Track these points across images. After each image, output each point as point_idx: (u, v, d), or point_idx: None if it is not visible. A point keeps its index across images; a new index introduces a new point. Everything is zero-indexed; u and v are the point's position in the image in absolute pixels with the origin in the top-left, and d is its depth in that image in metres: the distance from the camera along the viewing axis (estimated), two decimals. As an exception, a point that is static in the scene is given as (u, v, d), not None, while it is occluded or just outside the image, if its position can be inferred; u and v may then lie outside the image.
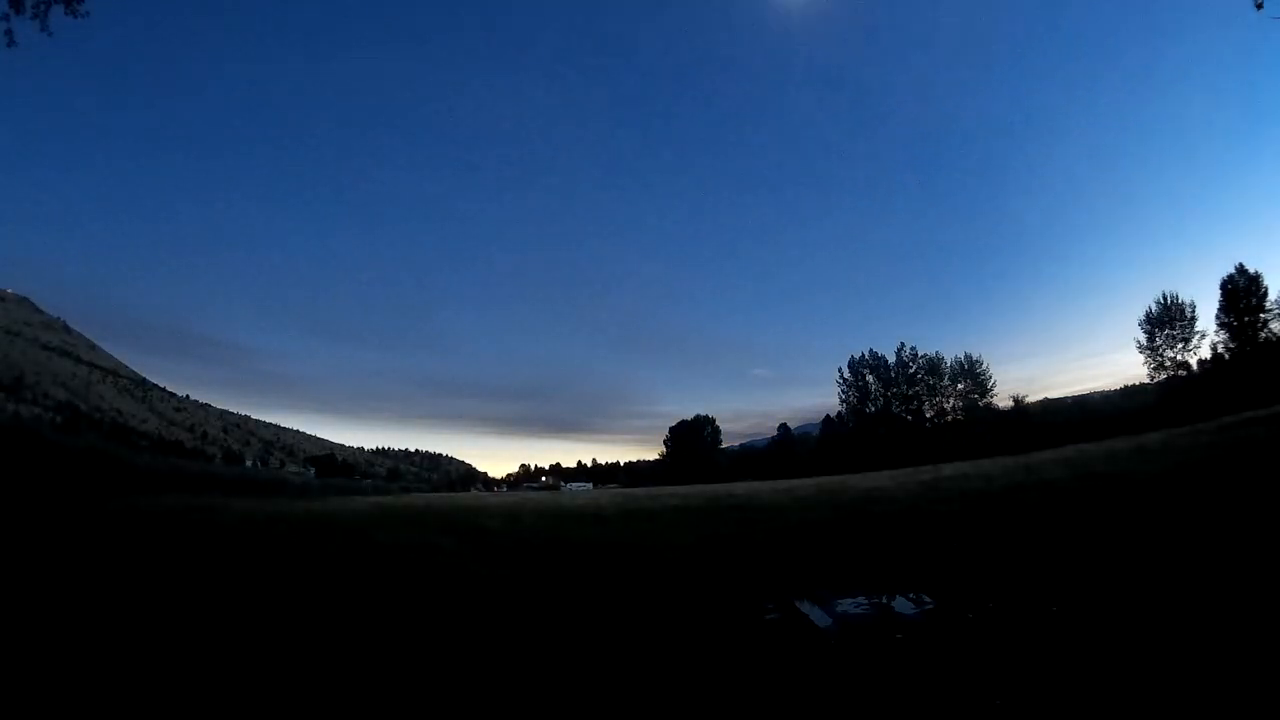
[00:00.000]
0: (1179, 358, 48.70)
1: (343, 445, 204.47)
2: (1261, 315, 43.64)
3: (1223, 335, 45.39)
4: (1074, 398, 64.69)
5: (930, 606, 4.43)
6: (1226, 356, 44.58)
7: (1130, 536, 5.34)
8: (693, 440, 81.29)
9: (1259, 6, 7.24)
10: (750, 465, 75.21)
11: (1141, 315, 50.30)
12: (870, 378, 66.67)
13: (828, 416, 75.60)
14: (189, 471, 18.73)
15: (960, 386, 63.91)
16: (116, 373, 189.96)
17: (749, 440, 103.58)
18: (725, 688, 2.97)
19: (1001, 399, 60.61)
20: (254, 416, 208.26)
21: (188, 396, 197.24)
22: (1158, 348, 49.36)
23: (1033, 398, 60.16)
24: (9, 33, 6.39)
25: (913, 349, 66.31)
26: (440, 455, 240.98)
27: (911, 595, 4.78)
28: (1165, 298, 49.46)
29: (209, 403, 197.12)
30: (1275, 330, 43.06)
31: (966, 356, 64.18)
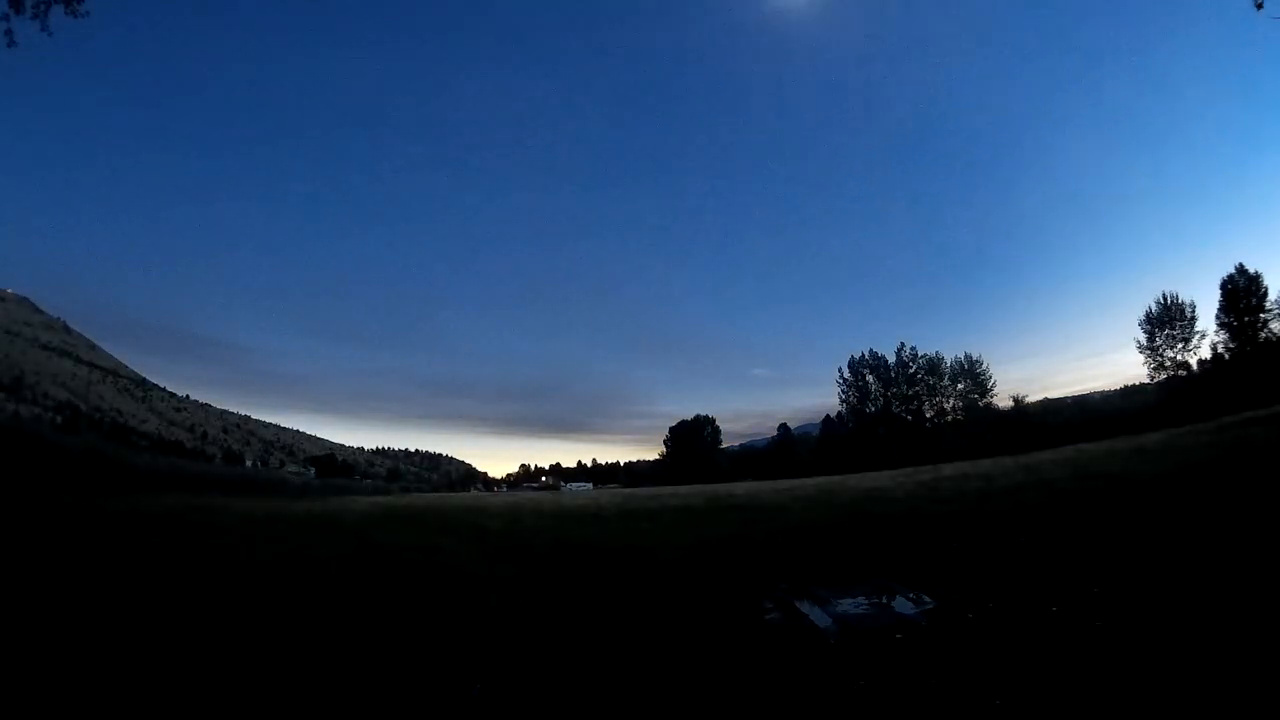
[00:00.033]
0: (1179, 358, 48.74)
1: (343, 445, 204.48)
2: (1261, 315, 43.62)
3: (1223, 335, 45.43)
4: (1074, 398, 64.72)
5: (930, 606, 4.43)
6: (1226, 356, 44.58)
7: (1129, 537, 5.34)
8: (693, 440, 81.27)
9: (1259, 6, 7.23)
10: (750, 465, 75.20)
11: (1141, 315, 50.37)
12: (870, 378, 66.66)
13: (828, 416, 75.61)
14: (189, 471, 18.73)
15: (960, 386, 63.92)
16: (116, 373, 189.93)
17: (749, 440, 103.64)
18: (725, 687, 2.97)
19: (1001, 399, 60.64)
20: (254, 416, 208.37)
21: (188, 396, 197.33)
22: (1158, 348, 49.37)
23: (1033, 398, 60.16)
24: (9, 33, 6.39)
25: (913, 349, 66.37)
26: (440, 455, 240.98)
27: (911, 595, 4.78)
28: (1165, 298, 49.50)
29: (209, 403, 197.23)
30: (1275, 330, 43.06)
31: (966, 356, 64.24)
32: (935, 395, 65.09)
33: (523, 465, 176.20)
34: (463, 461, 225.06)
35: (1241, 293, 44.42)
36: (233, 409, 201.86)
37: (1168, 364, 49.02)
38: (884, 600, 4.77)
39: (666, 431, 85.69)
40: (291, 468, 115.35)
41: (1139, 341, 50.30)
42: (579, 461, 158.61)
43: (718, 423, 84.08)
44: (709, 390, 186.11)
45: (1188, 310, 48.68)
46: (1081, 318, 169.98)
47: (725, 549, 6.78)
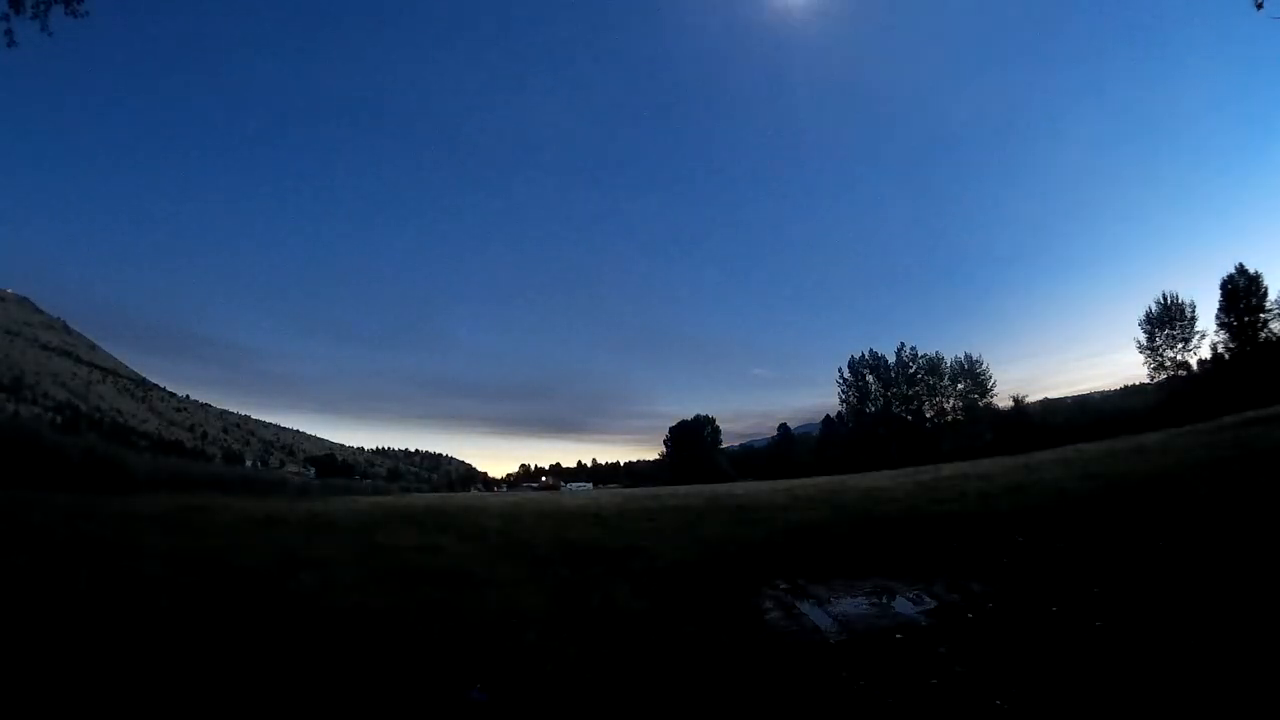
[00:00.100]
0: (1179, 358, 48.71)
1: (343, 445, 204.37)
2: (1261, 315, 43.59)
3: (1223, 335, 45.39)
4: (1074, 398, 64.73)
5: (930, 606, 4.43)
6: (1226, 356, 44.57)
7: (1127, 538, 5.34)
8: (693, 440, 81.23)
9: (1259, 6, 7.23)
10: (750, 465, 75.21)
11: (1141, 315, 50.38)
12: (870, 378, 66.63)
13: (828, 416, 75.59)
14: (189, 472, 18.73)
15: (960, 386, 63.90)
16: (116, 373, 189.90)
17: (749, 440, 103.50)
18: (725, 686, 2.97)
19: (1001, 399, 60.63)
20: (254, 416, 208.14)
21: (188, 396, 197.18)
22: (1158, 348, 49.36)
23: (1033, 398, 60.14)
24: (9, 33, 6.38)
25: (913, 349, 66.36)
26: (440, 455, 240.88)
27: (911, 595, 4.78)
28: (1165, 298, 49.48)
29: (209, 403, 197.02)
30: (1275, 330, 43.04)
31: (966, 356, 64.24)
32: (935, 395, 65.09)
33: (523, 465, 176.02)
34: (463, 461, 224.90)
35: (1241, 293, 44.41)
36: (233, 409, 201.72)
37: (1168, 364, 49.02)
38: (884, 600, 4.78)
39: (666, 431, 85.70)
40: (291, 468, 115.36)
41: (1139, 341, 50.34)
42: (579, 461, 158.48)
43: (718, 423, 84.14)
44: (709, 390, 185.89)
45: (1188, 310, 48.69)
46: (1081, 318, 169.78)
47: (725, 549, 6.78)
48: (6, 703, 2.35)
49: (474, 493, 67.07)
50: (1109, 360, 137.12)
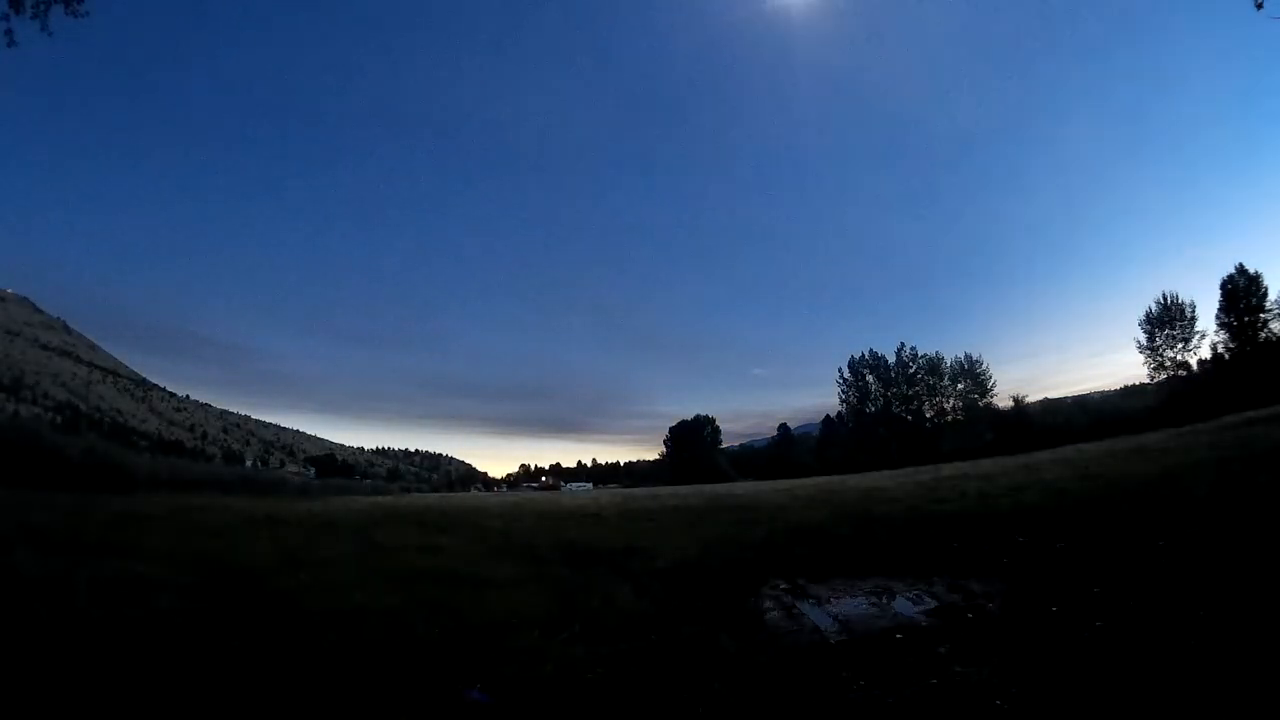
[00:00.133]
0: (1179, 358, 48.75)
1: (343, 445, 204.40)
2: (1261, 315, 43.62)
3: (1223, 335, 45.43)
4: (1074, 398, 64.73)
5: (930, 606, 4.43)
6: (1226, 356, 44.57)
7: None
8: (693, 440, 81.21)
9: (1259, 6, 7.23)
10: (750, 465, 75.19)
11: (1141, 315, 50.41)
12: (870, 378, 66.63)
13: (828, 416, 75.60)
14: (189, 472, 18.73)
15: (960, 386, 63.91)
16: (116, 373, 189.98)
17: (749, 440, 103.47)
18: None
19: (1001, 399, 60.63)
20: (254, 416, 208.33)
21: (188, 396, 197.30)
22: (1158, 348, 49.38)
23: (1033, 398, 60.14)
24: (9, 33, 6.38)
25: (913, 349, 66.35)
26: (440, 455, 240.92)
27: (911, 595, 4.78)
28: (1165, 298, 49.51)
29: (209, 403, 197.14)
30: (1275, 330, 43.06)
31: (966, 356, 64.25)
32: (935, 395, 65.09)
33: (523, 465, 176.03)
34: (463, 461, 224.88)
35: (1241, 293, 44.43)
36: (233, 409, 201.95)
37: (1168, 364, 49.05)
38: (884, 600, 4.77)
39: (666, 431, 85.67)
40: (291, 468, 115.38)
41: (1139, 341, 50.38)
42: (579, 461, 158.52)
43: (718, 423, 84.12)
44: (709, 390, 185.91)
45: (1188, 310, 48.72)
46: (1081, 318, 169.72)
47: (725, 549, 6.78)
48: (7, 702, 2.35)
49: (474, 493, 67.06)
50: (1109, 360, 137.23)
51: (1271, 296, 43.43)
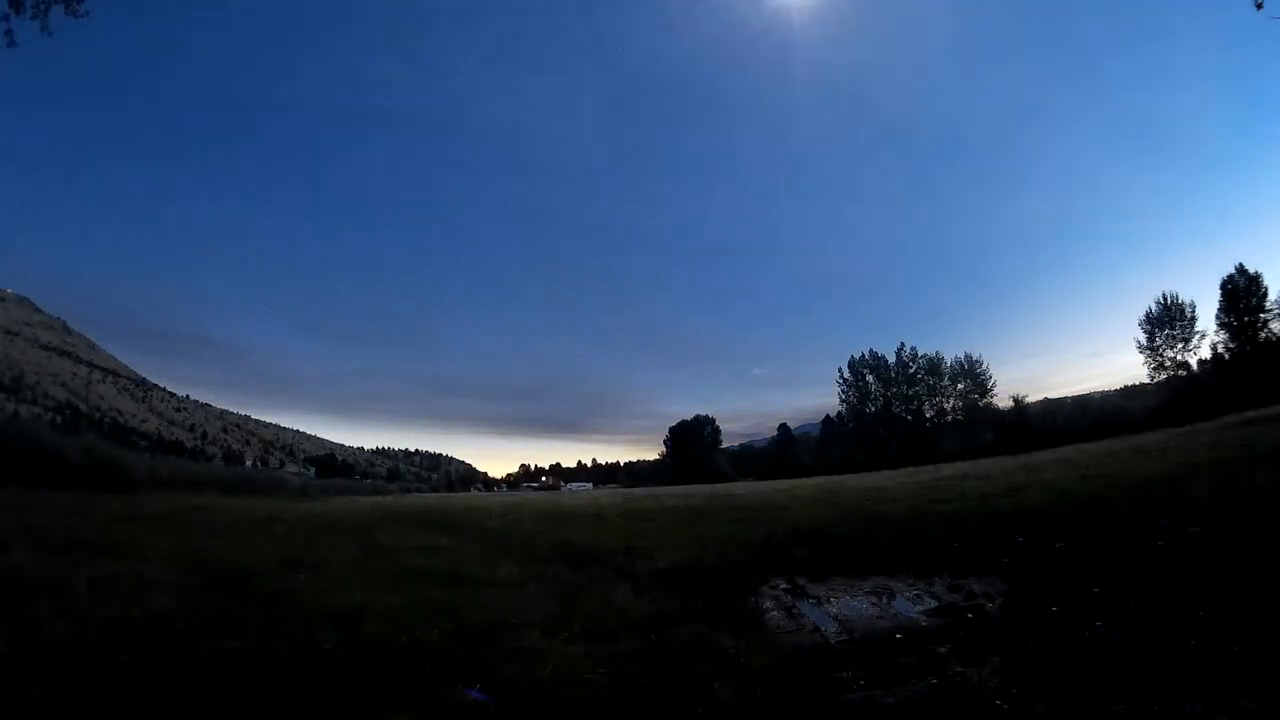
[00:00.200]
0: (1179, 358, 48.77)
1: (343, 445, 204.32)
2: (1261, 315, 43.62)
3: (1223, 335, 45.44)
4: (1074, 398, 64.68)
5: (930, 606, 4.43)
6: (1226, 356, 44.58)
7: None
8: (693, 440, 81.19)
9: (1259, 6, 7.22)
10: (750, 465, 75.20)
11: (1141, 315, 50.43)
12: (870, 378, 66.60)
13: (827, 416, 75.62)
14: (189, 472, 18.72)
15: (960, 386, 63.91)
16: (116, 373, 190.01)
17: (749, 440, 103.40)
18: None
19: (1001, 399, 60.61)
20: (254, 416, 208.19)
21: (188, 396, 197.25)
22: (1158, 348, 49.40)
23: (1033, 398, 60.09)
24: (9, 33, 6.38)
25: (913, 349, 66.33)
26: (440, 455, 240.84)
27: (911, 595, 4.78)
28: (1165, 298, 49.52)
29: (209, 403, 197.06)
30: (1275, 330, 43.07)
31: (966, 356, 64.23)
32: (935, 395, 65.06)
33: (523, 465, 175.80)
34: (463, 461, 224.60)
35: (1241, 293, 44.43)
36: (233, 409, 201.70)
37: (1168, 364, 49.06)
38: (884, 600, 4.78)
39: (666, 431, 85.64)
40: (291, 468, 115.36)
41: (1139, 341, 50.39)
42: (579, 461, 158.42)
43: (718, 423, 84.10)
44: (709, 390, 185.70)
45: (1188, 310, 48.73)
46: (1081, 318, 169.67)
47: (725, 549, 6.77)
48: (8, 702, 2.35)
49: (474, 493, 67.04)
50: (1109, 360, 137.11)
51: (1271, 296, 43.47)
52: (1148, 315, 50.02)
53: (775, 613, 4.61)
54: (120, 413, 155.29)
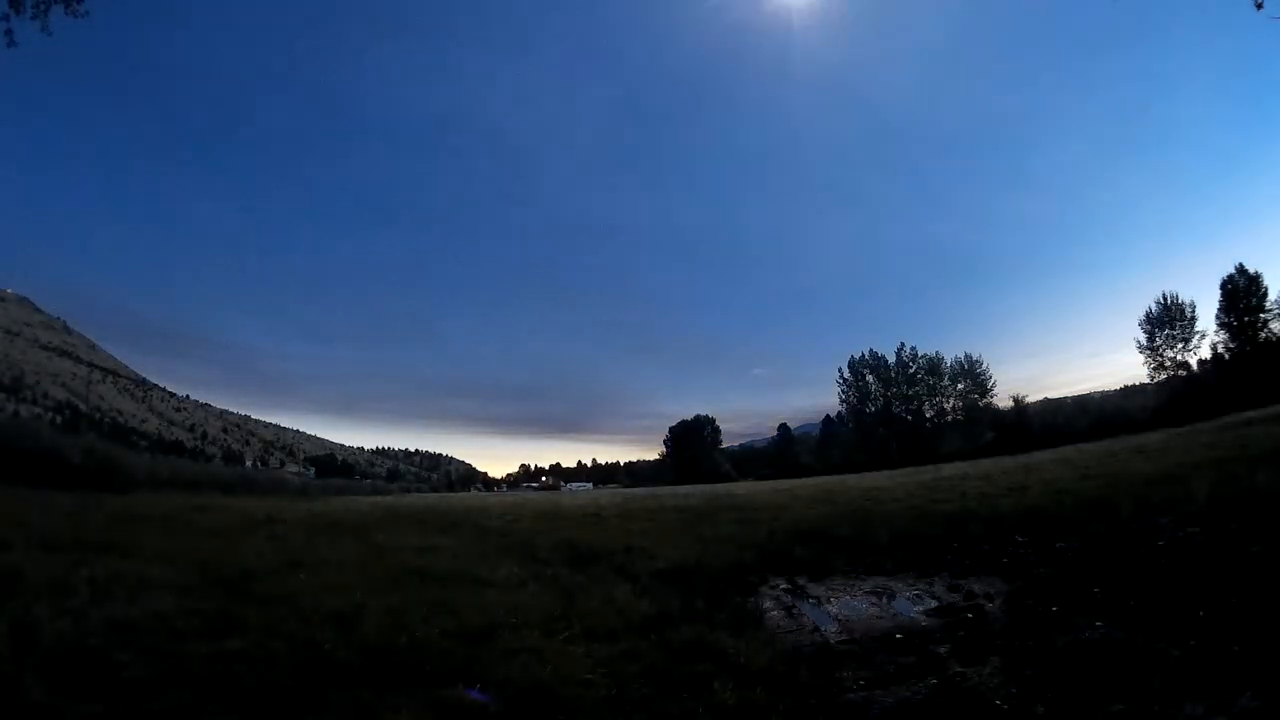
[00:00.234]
0: (1179, 358, 48.76)
1: (343, 445, 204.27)
2: (1261, 315, 43.62)
3: (1223, 335, 45.43)
4: (1074, 398, 64.69)
5: (930, 606, 4.43)
6: (1226, 356, 44.58)
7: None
8: (693, 440, 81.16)
9: (1259, 6, 7.22)
10: (750, 465, 75.19)
11: (1141, 315, 50.44)
12: (870, 378, 66.56)
13: (828, 416, 75.61)
14: (189, 472, 18.72)
15: (960, 386, 63.89)
16: (116, 373, 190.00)
17: (749, 440, 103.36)
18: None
19: (1001, 399, 60.60)
20: (254, 416, 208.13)
21: (188, 396, 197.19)
22: (1158, 348, 49.39)
23: (1033, 398, 60.09)
24: (9, 33, 6.38)
25: (913, 349, 66.29)
26: (440, 455, 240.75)
27: (911, 595, 4.78)
28: (1165, 298, 49.51)
29: (209, 403, 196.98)
30: (1275, 330, 43.06)
31: (966, 356, 64.19)
32: (935, 395, 65.03)
33: (523, 465, 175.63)
34: (463, 461, 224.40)
35: (1241, 293, 44.42)
36: (233, 409, 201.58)
37: (1168, 364, 49.05)
38: (884, 600, 4.78)
39: (666, 431, 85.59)
40: (291, 468, 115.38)
41: (1139, 341, 50.37)
42: (579, 461, 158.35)
43: (718, 423, 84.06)
44: (709, 390, 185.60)
45: (1188, 310, 48.71)
46: (1081, 318, 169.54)
47: (725, 549, 6.77)
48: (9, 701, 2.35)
49: (474, 493, 67.03)
50: (1109, 360, 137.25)
51: (1271, 296, 43.45)
52: (1148, 315, 50.05)
53: (775, 613, 4.61)
54: (120, 413, 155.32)
